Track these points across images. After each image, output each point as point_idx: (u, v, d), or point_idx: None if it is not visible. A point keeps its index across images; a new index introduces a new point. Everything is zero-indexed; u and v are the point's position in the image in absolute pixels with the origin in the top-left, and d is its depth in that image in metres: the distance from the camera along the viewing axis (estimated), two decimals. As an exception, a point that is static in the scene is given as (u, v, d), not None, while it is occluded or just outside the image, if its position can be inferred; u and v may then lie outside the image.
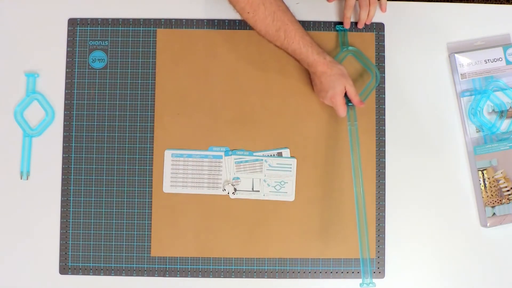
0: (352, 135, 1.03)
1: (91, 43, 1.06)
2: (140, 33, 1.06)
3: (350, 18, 1.04)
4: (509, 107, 1.05)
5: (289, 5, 1.00)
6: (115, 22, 1.07)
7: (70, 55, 1.06)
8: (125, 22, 1.07)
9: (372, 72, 1.05)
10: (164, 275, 1.03)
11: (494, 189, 1.03)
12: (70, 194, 1.04)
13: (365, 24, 1.05)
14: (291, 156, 1.04)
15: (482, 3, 1.38)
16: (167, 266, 1.03)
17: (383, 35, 1.06)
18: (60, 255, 1.03)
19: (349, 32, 1.06)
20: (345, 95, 0.99)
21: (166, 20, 1.07)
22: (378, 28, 1.07)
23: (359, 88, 1.05)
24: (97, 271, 1.03)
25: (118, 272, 1.03)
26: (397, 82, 1.06)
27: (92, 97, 1.06)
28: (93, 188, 1.04)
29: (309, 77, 1.04)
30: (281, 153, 1.04)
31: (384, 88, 1.06)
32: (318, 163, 1.04)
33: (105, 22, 1.07)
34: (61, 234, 1.03)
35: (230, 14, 1.06)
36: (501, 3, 1.62)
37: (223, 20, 1.07)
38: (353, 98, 0.99)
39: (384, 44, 1.06)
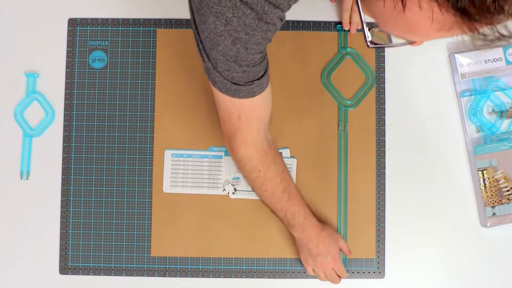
0: (341, 139, 1.03)
1: (91, 43, 1.06)
2: (140, 33, 1.07)
3: (348, 20, 1.04)
4: (509, 107, 1.05)
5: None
6: (115, 22, 1.07)
7: (70, 55, 1.06)
8: (125, 22, 1.07)
9: (368, 75, 1.05)
10: (164, 275, 1.03)
11: (494, 189, 1.03)
12: (70, 194, 1.04)
13: (356, 29, 1.05)
14: (291, 156, 1.04)
15: (482, 3, 1.38)
16: (167, 266, 1.03)
17: (383, 35, 1.06)
18: (60, 255, 1.03)
19: (349, 32, 1.06)
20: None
21: (166, 20, 1.07)
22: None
23: (355, 89, 1.05)
24: (97, 271, 1.03)
25: (118, 272, 1.03)
26: (397, 82, 1.06)
27: (92, 97, 1.06)
28: (93, 188, 1.04)
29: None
30: (281, 153, 1.04)
31: (384, 88, 1.06)
32: (318, 163, 1.04)
33: (105, 22, 1.07)
34: (61, 234, 1.03)
35: (230, 14, 1.06)
36: (501, 3, 1.61)
37: (223, 20, 1.06)
38: (345, 251, 1.01)
39: (384, 44, 1.06)
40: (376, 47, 0.65)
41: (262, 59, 0.77)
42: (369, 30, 0.62)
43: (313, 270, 0.99)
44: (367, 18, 0.60)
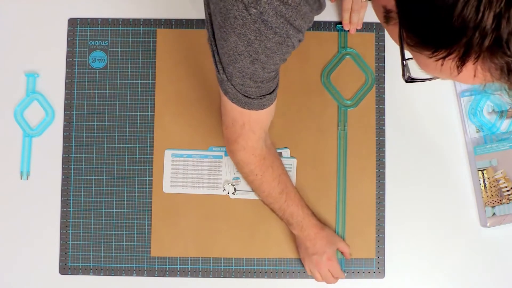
0: (341, 139, 1.03)
1: (91, 43, 1.06)
2: (140, 33, 1.06)
3: (348, 20, 1.04)
4: (509, 107, 1.05)
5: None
6: (115, 22, 1.07)
7: (70, 55, 1.06)
8: (125, 22, 1.07)
9: (368, 75, 1.05)
10: (164, 275, 1.03)
11: (494, 189, 1.03)
12: (70, 194, 1.04)
13: (356, 29, 1.05)
14: (291, 156, 1.04)
15: (482, 3, 1.38)
16: (167, 266, 1.03)
17: (383, 35, 1.06)
18: (60, 255, 1.03)
19: (349, 32, 1.06)
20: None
21: (166, 20, 1.07)
22: (378, 28, 1.07)
23: (355, 89, 1.05)
24: (97, 271, 1.03)
25: (118, 272, 1.03)
26: (397, 82, 1.06)
27: (92, 97, 1.06)
28: (93, 188, 1.04)
29: (294, 239, 1.02)
30: (281, 153, 1.04)
31: (384, 88, 1.06)
32: (318, 163, 1.04)
33: (105, 22, 1.07)
34: (61, 234, 1.03)
35: (230, 14, 1.06)
36: (501, 3, 1.61)
37: (223, 20, 1.06)
38: (346, 254, 1.02)
39: (384, 44, 1.06)
40: (412, 82, 0.67)
41: (276, 75, 0.79)
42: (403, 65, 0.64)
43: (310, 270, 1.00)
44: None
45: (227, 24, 0.69)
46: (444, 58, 0.54)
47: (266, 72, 0.74)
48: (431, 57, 0.55)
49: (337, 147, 1.04)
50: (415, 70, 0.64)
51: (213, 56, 0.77)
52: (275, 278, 1.03)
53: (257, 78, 0.75)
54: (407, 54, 0.61)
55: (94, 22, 1.07)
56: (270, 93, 0.80)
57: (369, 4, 1.05)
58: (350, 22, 1.04)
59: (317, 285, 1.03)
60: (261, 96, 0.79)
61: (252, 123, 0.83)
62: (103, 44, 1.06)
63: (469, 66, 0.54)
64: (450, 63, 0.54)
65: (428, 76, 0.63)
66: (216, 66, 0.77)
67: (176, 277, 1.03)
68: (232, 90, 0.77)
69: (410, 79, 0.65)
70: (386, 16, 0.61)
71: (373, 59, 1.06)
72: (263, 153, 0.90)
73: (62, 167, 1.05)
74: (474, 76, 0.55)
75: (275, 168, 0.93)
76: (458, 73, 0.55)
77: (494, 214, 1.02)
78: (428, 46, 0.55)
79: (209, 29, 0.76)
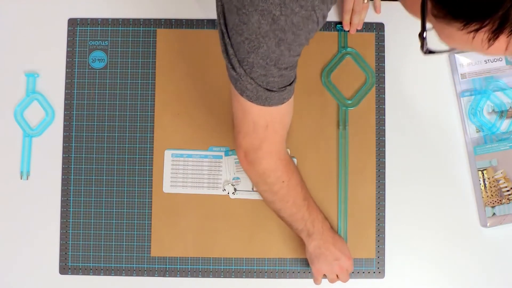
0: (342, 138, 1.03)
1: (91, 43, 1.06)
2: (140, 33, 1.06)
3: (348, 21, 1.04)
4: (509, 107, 1.05)
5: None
6: (115, 22, 1.07)
7: (70, 55, 1.06)
8: (125, 22, 1.07)
9: (368, 74, 1.05)
10: (164, 275, 1.03)
11: (494, 189, 1.03)
12: (70, 194, 1.04)
13: (356, 29, 1.05)
14: (291, 156, 1.04)
15: (482, 3, 1.38)
16: (167, 266, 1.03)
17: (383, 35, 1.06)
18: (60, 255, 1.03)
19: (349, 33, 1.06)
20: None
21: (166, 20, 1.07)
22: (378, 28, 1.07)
23: (355, 89, 1.05)
24: (97, 271, 1.03)
25: (118, 272, 1.03)
26: (397, 82, 1.06)
27: (92, 97, 1.06)
28: (93, 188, 1.04)
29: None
30: (281, 153, 1.04)
31: (384, 88, 1.06)
32: (318, 163, 1.04)
33: (105, 22, 1.07)
34: (61, 234, 1.03)
35: (230, 14, 1.06)
36: (501, 3, 1.61)
37: (223, 20, 1.07)
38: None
39: (384, 44, 1.06)
40: (431, 54, 0.62)
41: (297, 61, 0.73)
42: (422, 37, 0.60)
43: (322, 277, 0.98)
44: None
45: (246, 2, 0.63)
46: (476, 31, 0.52)
47: (292, 55, 0.69)
48: (461, 30, 0.53)
49: (338, 147, 1.04)
50: (431, 42, 0.60)
51: (225, 51, 0.70)
52: (275, 278, 1.03)
53: (282, 64, 0.69)
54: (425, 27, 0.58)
55: (94, 22, 1.07)
56: (290, 84, 0.74)
57: (370, 4, 1.05)
58: (350, 23, 1.04)
59: (317, 285, 1.03)
60: (282, 87, 0.73)
61: (274, 122, 0.77)
62: (103, 44, 1.06)
63: (502, 39, 0.52)
64: (482, 35, 0.52)
65: (448, 48, 0.60)
66: (230, 62, 0.70)
67: (176, 277, 1.03)
68: (251, 86, 0.71)
69: (428, 52, 0.61)
70: None
71: (373, 59, 1.06)
72: (287, 156, 0.85)
73: (62, 167, 1.05)
74: (506, 49, 0.53)
75: (298, 172, 0.89)
76: (489, 47, 0.53)
77: (494, 214, 1.02)
78: (459, 19, 0.53)
79: (221, 19, 0.70)
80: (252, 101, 0.74)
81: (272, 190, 0.87)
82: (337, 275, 0.98)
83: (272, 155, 0.82)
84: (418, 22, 1.08)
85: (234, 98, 0.76)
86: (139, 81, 1.06)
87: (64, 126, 1.05)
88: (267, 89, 0.72)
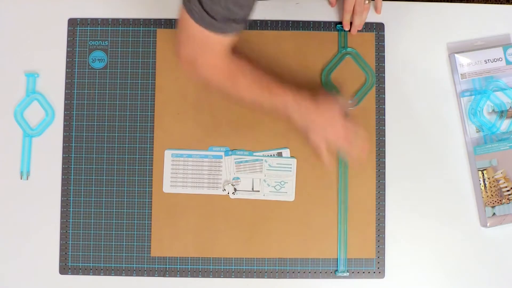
0: None
1: (91, 43, 1.06)
2: (140, 33, 1.07)
3: (348, 21, 1.04)
4: (509, 107, 1.05)
5: (289, 5, 1.00)
6: (115, 22, 1.07)
7: (70, 55, 1.06)
8: (125, 22, 1.07)
9: (368, 74, 1.05)
10: (164, 275, 1.03)
11: (494, 189, 1.03)
12: (70, 194, 1.04)
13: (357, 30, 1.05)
14: (291, 156, 1.04)
15: (482, 3, 1.38)
16: (167, 266, 1.03)
17: (383, 35, 1.06)
18: (60, 255, 1.03)
19: (349, 32, 1.06)
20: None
21: (166, 20, 1.07)
22: (378, 28, 1.07)
23: (355, 89, 1.05)
24: (97, 271, 1.03)
25: (118, 272, 1.03)
26: (397, 82, 1.06)
27: (92, 97, 1.06)
28: (93, 188, 1.04)
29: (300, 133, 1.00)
30: (281, 153, 1.04)
31: (384, 88, 1.06)
32: (318, 163, 1.04)
33: (105, 22, 1.07)
34: (61, 234, 1.03)
35: (230, 14, 1.06)
36: (501, 3, 1.62)
37: (223, 20, 1.06)
38: (347, 102, 1.02)
39: (384, 44, 1.06)
40: None
41: (248, 9, 0.81)
42: None
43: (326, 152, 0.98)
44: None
45: None
46: None
47: None
48: None
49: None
50: None
51: None
52: (275, 278, 1.03)
53: None
54: None
55: (94, 22, 1.07)
56: (234, 21, 0.80)
57: (371, 4, 1.05)
58: (351, 24, 1.04)
59: (317, 285, 1.03)
60: (225, 19, 0.79)
61: (212, 46, 0.84)
62: (103, 44, 1.06)
63: None
64: None
65: None
66: None
67: (176, 277, 1.03)
68: (197, 8, 0.78)
69: None
70: None
71: (373, 59, 1.06)
72: (229, 65, 0.90)
73: (62, 167, 1.05)
74: None
75: (246, 74, 0.92)
76: None
77: (494, 214, 1.02)
78: None
79: None
80: (195, 21, 0.80)
81: (222, 91, 0.93)
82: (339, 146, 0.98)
83: (209, 68, 0.88)
84: (418, 22, 1.08)
85: (181, 12, 0.82)
86: (139, 81, 1.06)
87: (64, 126, 1.05)
88: (210, 16, 0.79)
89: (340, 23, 1.06)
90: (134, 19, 1.07)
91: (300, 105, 0.94)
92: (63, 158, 1.05)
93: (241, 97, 0.93)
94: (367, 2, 1.02)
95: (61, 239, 1.03)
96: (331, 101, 0.97)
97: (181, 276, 1.03)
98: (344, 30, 1.06)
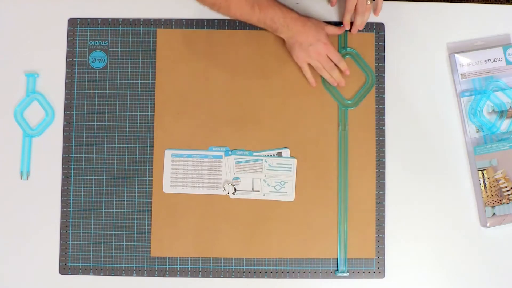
0: (342, 138, 1.03)
1: (91, 43, 1.06)
2: (140, 33, 1.07)
3: (349, 21, 1.04)
4: (509, 107, 1.05)
5: (289, 5, 1.00)
6: (115, 22, 1.07)
7: (70, 55, 1.06)
8: (125, 22, 1.07)
9: (368, 75, 1.05)
10: (164, 275, 1.03)
11: (494, 189, 1.03)
12: (70, 194, 1.04)
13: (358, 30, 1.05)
14: (291, 156, 1.04)
15: (482, 3, 1.38)
16: (167, 266, 1.03)
17: (383, 35, 1.06)
18: (60, 255, 1.03)
19: (349, 32, 1.06)
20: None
21: (166, 20, 1.07)
22: (378, 28, 1.07)
23: (355, 89, 1.05)
24: (97, 271, 1.03)
25: (118, 272, 1.03)
26: (397, 82, 1.06)
27: (92, 97, 1.06)
28: (93, 188, 1.04)
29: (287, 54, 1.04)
30: (281, 153, 1.04)
31: (384, 88, 1.06)
32: (318, 163, 1.04)
33: (105, 22, 1.07)
34: (61, 234, 1.03)
35: (230, 14, 1.06)
36: (501, 3, 1.62)
37: (223, 20, 1.07)
38: (336, 31, 1.04)
39: (384, 44, 1.06)
40: None
41: None
42: None
43: (310, 70, 1.02)
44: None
45: None
46: None
47: None
48: None
49: (338, 147, 1.04)
50: None
51: None
52: (275, 278, 1.03)
53: None
54: None
55: (94, 22, 1.07)
56: None
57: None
58: (352, 23, 1.04)
59: (317, 285, 1.03)
60: None
61: None
62: (103, 44, 1.06)
63: None
64: None
65: None
66: None
67: (176, 277, 1.03)
68: None
69: None
70: None
71: (373, 59, 1.06)
72: None
73: (62, 167, 1.05)
74: None
75: None
76: None
77: (494, 214, 1.02)
78: None
79: None
80: None
81: (214, 9, 0.96)
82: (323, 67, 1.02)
83: None
84: (418, 22, 1.09)
85: None
86: (139, 81, 1.06)
87: (64, 126, 1.05)
88: None
89: (340, 23, 1.06)
90: (134, 19, 1.07)
91: (288, 22, 0.98)
92: (63, 158, 1.05)
93: (232, 14, 0.96)
94: (369, 2, 1.02)
95: (61, 239, 1.03)
96: (318, 23, 1.02)
97: (181, 276, 1.03)
98: (345, 30, 1.06)
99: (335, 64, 1.03)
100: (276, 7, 0.97)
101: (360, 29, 1.05)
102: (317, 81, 1.04)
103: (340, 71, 1.03)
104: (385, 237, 1.03)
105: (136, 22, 1.07)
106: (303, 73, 1.04)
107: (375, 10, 1.05)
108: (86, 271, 1.03)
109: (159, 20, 1.07)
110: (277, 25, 0.98)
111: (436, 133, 1.05)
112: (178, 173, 1.04)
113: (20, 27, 1.07)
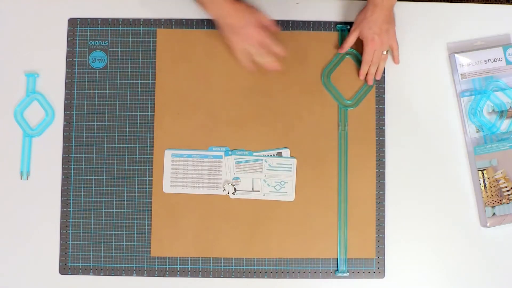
0: (342, 138, 1.03)
1: (91, 43, 1.06)
2: (140, 33, 1.07)
3: (366, 71, 1.03)
4: (509, 107, 1.05)
5: (289, 5, 1.00)
6: (115, 22, 1.07)
7: (70, 55, 1.06)
8: (125, 22, 1.07)
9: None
10: (164, 275, 1.03)
11: (494, 189, 1.03)
12: (70, 194, 1.04)
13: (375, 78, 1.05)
14: (291, 156, 1.04)
15: (482, 3, 1.38)
16: (167, 266, 1.03)
17: (383, 35, 1.06)
18: (60, 255, 1.03)
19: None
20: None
21: (166, 20, 1.07)
22: (378, 28, 1.07)
23: (355, 89, 1.05)
24: (97, 271, 1.03)
25: (118, 272, 1.03)
26: (397, 82, 1.06)
27: (92, 97, 1.06)
28: (93, 188, 1.04)
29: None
30: (281, 153, 1.04)
31: (384, 88, 1.06)
32: (318, 163, 1.04)
33: (105, 22, 1.07)
34: (61, 234, 1.03)
35: (230, 14, 1.06)
36: (501, 3, 1.62)
37: (223, 20, 1.07)
38: (268, 24, 1.01)
39: (384, 44, 1.06)
40: None
41: None
42: None
43: (244, 56, 1.01)
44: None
45: None
46: None
47: None
48: None
49: (338, 147, 1.04)
50: None
51: None
52: (275, 278, 1.03)
53: None
54: None
55: (94, 22, 1.07)
56: None
57: (389, 53, 1.04)
58: (369, 73, 1.04)
59: (317, 285, 1.03)
60: None
61: None
62: (103, 44, 1.06)
63: None
64: None
65: None
66: None
67: (176, 277, 1.03)
68: None
69: None
70: None
71: (373, 59, 1.06)
72: None
73: (62, 167, 1.05)
74: None
75: None
76: None
77: (494, 214, 1.02)
78: None
79: None
80: None
81: None
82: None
83: None
84: (418, 22, 1.09)
85: None
86: (139, 81, 1.06)
87: (64, 126, 1.05)
88: None
89: (340, 23, 1.06)
90: (134, 19, 1.07)
91: (218, 5, 0.96)
92: (63, 158, 1.05)
93: None
94: (385, 52, 1.01)
95: (61, 239, 1.03)
96: (251, 8, 1.00)
97: (181, 276, 1.03)
98: (345, 30, 1.06)
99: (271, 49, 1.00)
100: None
101: (377, 78, 1.05)
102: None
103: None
104: (385, 237, 1.03)
105: (136, 22, 1.07)
106: (238, 59, 1.02)
107: (394, 58, 1.04)
108: (86, 271, 1.03)
109: (159, 20, 1.07)
110: (208, 8, 0.97)
111: (436, 133, 1.05)
112: (178, 173, 1.04)
113: (20, 27, 1.07)
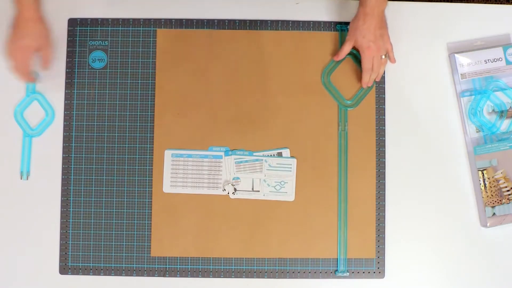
0: (342, 138, 1.03)
1: (91, 43, 1.06)
2: (140, 33, 1.07)
3: (368, 79, 1.03)
4: (509, 107, 1.05)
5: (289, 5, 1.00)
6: (115, 22, 1.07)
7: (70, 55, 1.06)
8: (125, 22, 1.07)
9: (370, 73, 1.06)
10: (164, 275, 1.03)
11: (494, 189, 1.03)
12: (70, 194, 1.04)
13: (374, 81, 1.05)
14: (291, 156, 1.04)
15: (482, 3, 1.38)
16: (167, 266, 1.03)
17: (383, 35, 1.06)
18: (60, 255, 1.03)
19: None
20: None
21: (166, 20, 1.07)
22: (378, 28, 1.07)
23: (355, 89, 1.05)
24: (97, 271, 1.03)
25: (118, 272, 1.03)
26: (397, 82, 1.06)
27: (92, 97, 1.06)
28: (93, 188, 1.04)
29: None
30: (281, 153, 1.04)
31: (384, 88, 1.06)
32: (318, 163, 1.04)
33: (105, 22, 1.07)
34: (61, 234, 1.03)
35: (230, 14, 1.06)
36: (501, 3, 1.62)
37: (223, 20, 1.07)
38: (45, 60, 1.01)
39: (384, 44, 1.06)
40: None
41: None
42: None
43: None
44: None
45: None
46: None
47: None
48: None
49: (338, 147, 1.04)
50: None
51: None
52: (275, 278, 1.03)
53: None
54: None
55: (94, 22, 1.07)
56: None
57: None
58: (368, 79, 1.03)
59: (317, 285, 1.03)
60: None
61: None
62: (103, 44, 1.06)
63: None
64: None
65: None
66: None
67: (176, 277, 1.03)
68: None
69: None
70: None
71: (373, 59, 1.06)
72: None
73: (62, 167, 1.05)
74: None
75: None
76: None
77: (494, 214, 1.02)
78: None
79: None
80: None
81: None
82: None
83: None
84: (418, 22, 1.09)
85: None
86: (139, 81, 1.06)
87: (64, 126, 1.05)
88: None
89: (340, 23, 1.06)
90: (134, 19, 1.07)
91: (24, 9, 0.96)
92: (63, 158, 1.05)
93: None
94: (384, 57, 1.01)
95: (61, 239, 1.03)
96: (44, 34, 0.99)
97: (181, 276, 1.03)
98: (345, 29, 1.06)
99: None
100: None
101: (377, 81, 1.05)
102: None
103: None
104: (385, 237, 1.03)
105: (136, 22, 1.07)
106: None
107: (390, 59, 1.04)
108: (86, 271, 1.03)
109: (159, 20, 1.07)
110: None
111: (436, 133, 1.05)
112: (178, 173, 1.04)
113: (20, 27, 1.06)
